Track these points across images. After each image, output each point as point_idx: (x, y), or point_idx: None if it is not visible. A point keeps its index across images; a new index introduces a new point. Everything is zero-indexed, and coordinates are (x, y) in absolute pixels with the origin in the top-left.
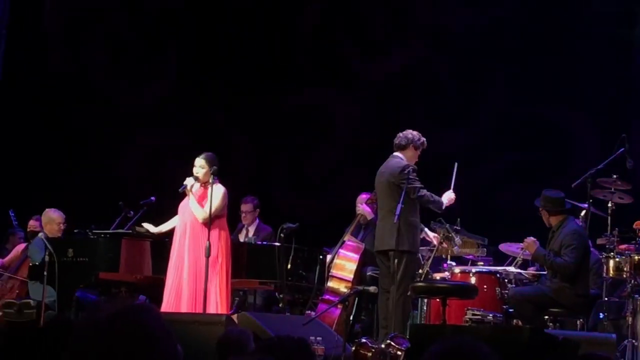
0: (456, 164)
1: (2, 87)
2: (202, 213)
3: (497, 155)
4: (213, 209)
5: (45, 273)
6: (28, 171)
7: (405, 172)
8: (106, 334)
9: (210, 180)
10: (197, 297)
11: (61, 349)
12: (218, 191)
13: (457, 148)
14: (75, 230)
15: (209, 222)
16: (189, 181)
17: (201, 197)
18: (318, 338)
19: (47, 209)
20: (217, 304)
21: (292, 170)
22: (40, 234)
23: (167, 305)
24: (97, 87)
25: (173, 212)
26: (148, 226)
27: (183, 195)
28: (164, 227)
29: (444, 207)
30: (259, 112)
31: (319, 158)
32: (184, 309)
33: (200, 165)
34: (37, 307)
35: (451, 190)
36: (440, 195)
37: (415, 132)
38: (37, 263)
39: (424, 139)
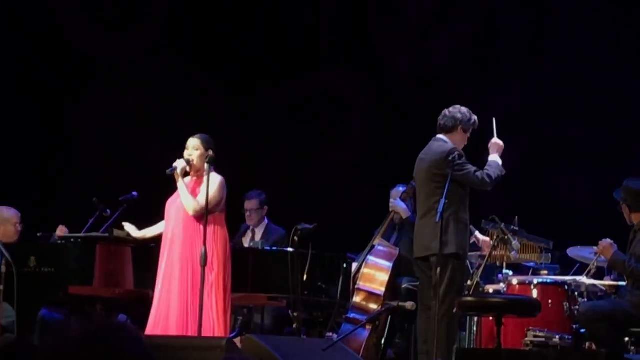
0: (494, 120)
1: None
2: (193, 204)
3: (562, 133)
4: (209, 199)
5: (0, 287)
6: None
7: (451, 158)
8: None
9: (206, 168)
10: (189, 315)
11: None
12: (215, 179)
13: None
14: (38, 234)
15: (205, 221)
16: (179, 163)
17: (193, 189)
18: None
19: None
20: (213, 323)
21: (306, 159)
22: None
23: (154, 326)
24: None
25: (160, 212)
26: (130, 228)
27: (171, 190)
28: (150, 232)
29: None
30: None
31: (341, 144)
32: (174, 330)
33: (194, 147)
34: None
35: (495, 137)
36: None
37: (464, 110)
38: None
39: (475, 118)
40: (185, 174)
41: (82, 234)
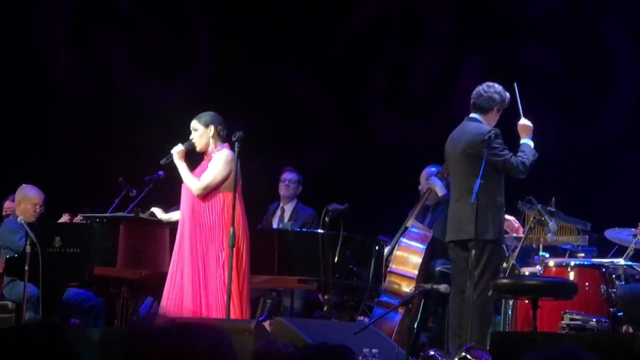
0: (515, 85)
1: None
2: (194, 183)
3: (603, 109)
4: (210, 178)
5: (26, 267)
6: (2, 142)
7: (487, 138)
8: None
9: (212, 146)
10: (201, 296)
11: None
12: (219, 156)
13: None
14: (63, 214)
15: (234, 201)
16: (176, 149)
17: (202, 169)
18: (373, 350)
19: (23, 185)
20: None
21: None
22: (19, 218)
23: (166, 305)
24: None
25: None
26: (157, 211)
27: (191, 170)
28: (177, 215)
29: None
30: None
31: (380, 120)
32: (187, 310)
33: (193, 128)
34: (16, 310)
35: (522, 118)
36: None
37: (499, 88)
38: (15, 255)
39: (508, 96)
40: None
41: (107, 214)
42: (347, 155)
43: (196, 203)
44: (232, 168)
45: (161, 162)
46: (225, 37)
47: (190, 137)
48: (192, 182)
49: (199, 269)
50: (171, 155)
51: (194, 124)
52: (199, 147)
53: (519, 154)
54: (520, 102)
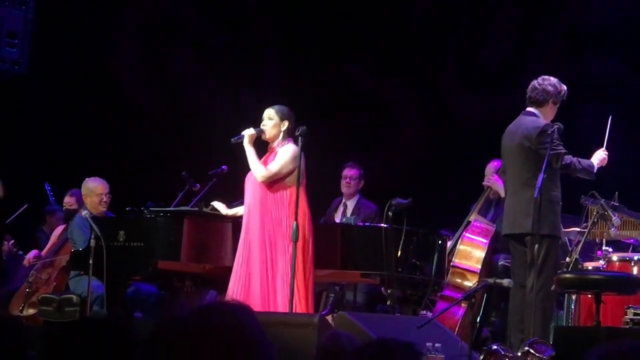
0: (610, 117)
1: (45, 39)
2: (261, 171)
3: None
4: (277, 168)
5: (90, 261)
6: (70, 138)
7: (548, 132)
8: (203, 332)
9: (280, 139)
10: (269, 289)
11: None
12: (287, 149)
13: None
14: (127, 209)
15: (297, 196)
16: (247, 131)
17: (265, 160)
18: (436, 345)
19: (86, 179)
20: (293, 300)
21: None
22: (84, 212)
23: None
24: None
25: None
26: (219, 206)
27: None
28: (242, 209)
29: (595, 171)
30: None
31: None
32: (256, 305)
33: (268, 116)
34: (81, 304)
35: (603, 149)
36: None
37: (554, 81)
38: (80, 249)
39: (565, 88)
40: (263, 143)
41: (171, 208)
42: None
43: (264, 195)
44: (297, 163)
45: (232, 140)
46: (290, 34)
47: (262, 125)
48: (259, 168)
49: (267, 262)
50: (242, 136)
51: (271, 113)
52: (268, 136)
53: (579, 161)
54: (609, 133)
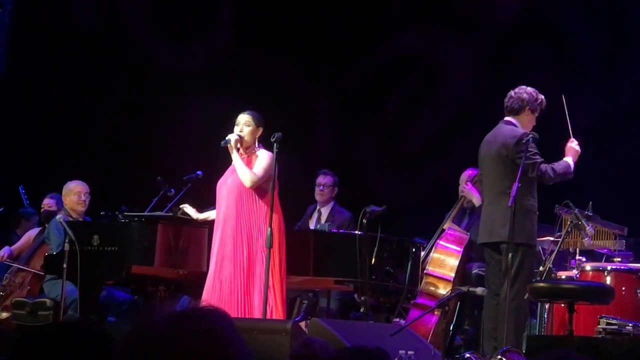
0: (563, 97)
1: (21, 42)
2: (250, 175)
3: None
4: (262, 172)
5: (64, 265)
6: (46, 141)
7: (523, 142)
8: (177, 339)
9: (256, 145)
10: (244, 295)
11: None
12: (265, 155)
13: (591, 116)
14: (101, 213)
15: (271, 201)
16: (232, 136)
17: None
18: (409, 352)
19: (68, 182)
20: (269, 306)
21: (379, 140)
22: (58, 216)
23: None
24: (133, 46)
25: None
26: (189, 210)
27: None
28: (213, 214)
29: (572, 170)
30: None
31: (414, 124)
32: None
33: (245, 122)
34: (54, 307)
35: (571, 139)
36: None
37: (530, 90)
38: (54, 252)
39: (542, 98)
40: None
41: (145, 213)
42: (385, 156)
43: (240, 201)
44: (273, 169)
45: (221, 143)
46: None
47: (239, 130)
48: (247, 173)
49: (242, 268)
50: (229, 140)
51: (248, 119)
52: (247, 142)
53: (552, 163)
54: (569, 119)
